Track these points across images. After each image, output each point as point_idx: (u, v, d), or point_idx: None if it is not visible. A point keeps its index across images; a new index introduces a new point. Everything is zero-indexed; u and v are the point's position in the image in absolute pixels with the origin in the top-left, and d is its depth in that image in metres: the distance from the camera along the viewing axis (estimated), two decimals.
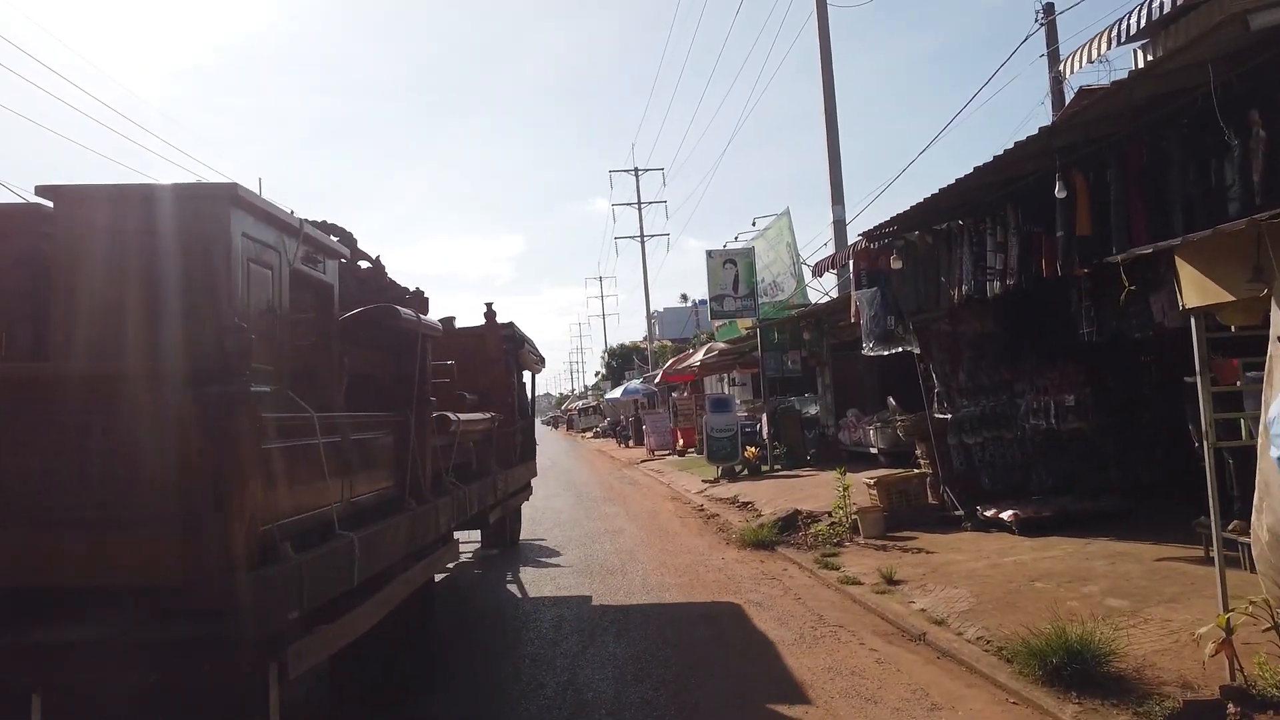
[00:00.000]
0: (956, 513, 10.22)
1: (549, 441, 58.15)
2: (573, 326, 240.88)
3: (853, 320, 11.40)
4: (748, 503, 14.17)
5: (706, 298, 19.38)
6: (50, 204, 3.76)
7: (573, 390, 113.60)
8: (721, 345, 23.51)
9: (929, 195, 9.13)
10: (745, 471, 18.03)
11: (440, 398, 6.44)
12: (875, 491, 10.77)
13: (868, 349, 10.75)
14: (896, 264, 10.50)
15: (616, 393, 48.10)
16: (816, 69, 17.21)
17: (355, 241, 5.72)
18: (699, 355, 25.95)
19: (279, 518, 3.43)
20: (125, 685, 2.98)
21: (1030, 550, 8.46)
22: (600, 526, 13.38)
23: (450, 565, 7.93)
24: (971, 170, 8.13)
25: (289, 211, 4.25)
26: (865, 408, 17.11)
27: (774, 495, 14.18)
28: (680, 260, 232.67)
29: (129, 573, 3.04)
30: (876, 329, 10.41)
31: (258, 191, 4.04)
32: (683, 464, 22.95)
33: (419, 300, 6.20)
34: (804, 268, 18.63)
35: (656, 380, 36.96)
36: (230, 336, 3.15)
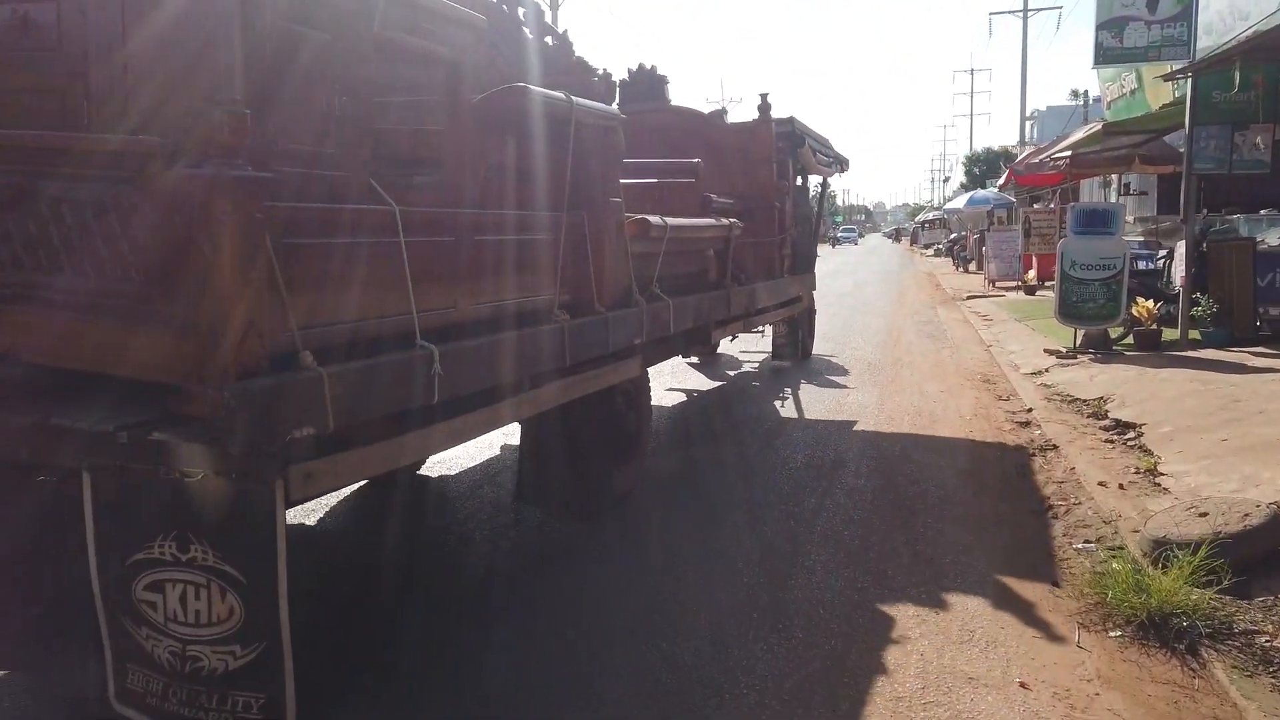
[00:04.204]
0: None
1: (878, 257, 49.46)
2: (936, 130, 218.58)
3: None
4: (1128, 425, 6.83)
5: (1094, 26, 10.56)
6: None
7: (930, 201, 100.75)
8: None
9: None
10: (1130, 342, 10.20)
11: (681, 200, 6.57)
12: None
13: None
14: None
15: (959, 202, 37.30)
16: None
17: (541, 14, 5.13)
18: (1074, 138, 16.78)
19: (310, 324, 2.87)
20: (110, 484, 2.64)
21: None
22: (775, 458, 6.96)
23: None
24: None
25: None
26: None
27: (1194, 419, 6.61)
28: (1070, 53, 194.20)
29: (139, 368, 2.74)
30: None
31: None
32: (1027, 310, 15.07)
33: (606, 85, 5.19)
34: None
35: (1001, 183, 27.10)
36: (216, 110, 2.50)
